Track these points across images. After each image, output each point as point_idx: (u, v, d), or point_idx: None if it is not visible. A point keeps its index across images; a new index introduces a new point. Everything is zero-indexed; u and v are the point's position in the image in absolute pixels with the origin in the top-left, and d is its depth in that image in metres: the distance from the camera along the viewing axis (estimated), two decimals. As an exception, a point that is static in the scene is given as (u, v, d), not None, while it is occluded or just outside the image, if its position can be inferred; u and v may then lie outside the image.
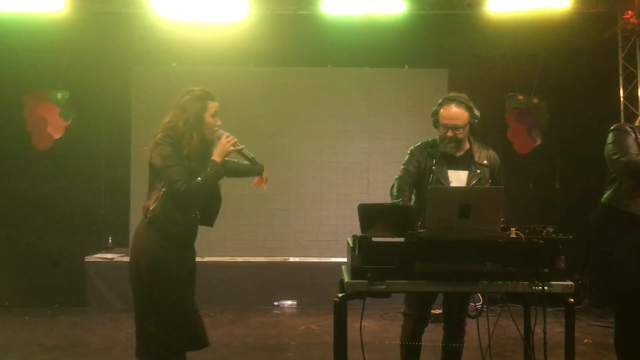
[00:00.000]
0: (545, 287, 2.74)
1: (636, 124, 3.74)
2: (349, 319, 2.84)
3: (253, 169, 3.36)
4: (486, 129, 6.86)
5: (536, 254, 2.75)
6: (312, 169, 6.91)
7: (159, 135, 3.03)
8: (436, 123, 3.56)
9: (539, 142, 7.04)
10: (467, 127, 3.51)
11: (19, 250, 6.84)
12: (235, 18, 6.23)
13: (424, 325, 3.61)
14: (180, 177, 2.96)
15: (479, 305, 3.11)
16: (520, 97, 6.95)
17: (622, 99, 6.67)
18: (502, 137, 7.00)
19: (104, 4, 6.51)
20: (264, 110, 6.87)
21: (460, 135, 3.50)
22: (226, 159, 3.13)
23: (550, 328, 2.89)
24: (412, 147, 3.68)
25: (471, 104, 3.54)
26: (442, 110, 3.51)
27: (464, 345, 3.67)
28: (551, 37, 6.60)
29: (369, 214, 2.89)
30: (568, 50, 6.72)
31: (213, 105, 3.13)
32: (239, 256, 6.78)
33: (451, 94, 3.58)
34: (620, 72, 6.69)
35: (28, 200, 6.89)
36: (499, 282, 2.76)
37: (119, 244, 6.93)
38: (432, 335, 3.83)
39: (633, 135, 3.52)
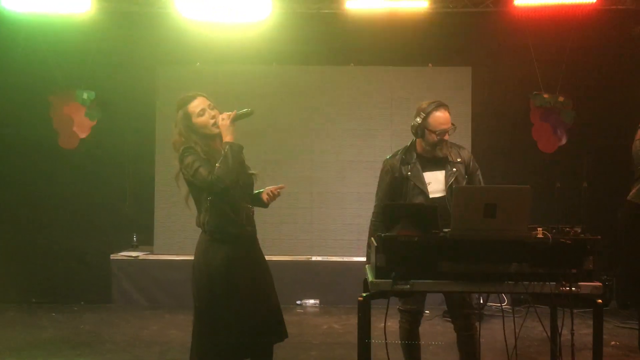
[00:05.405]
0: (573, 288, 2.70)
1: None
2: (371, 318, 2.83)
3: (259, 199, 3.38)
4: (510, 127, 6.92)
5: (564, 254, 2.71)
6: (334, 167, 6.90)
7: (179, 151, 3.11)
8: (424, 129, 3.54)
9: (564, 141, 6.92)
10: None
11: (45, 248, 6.95)
12: (259, 18, 6.23)
13: (420, 317, 3.69)
14: (208, 172, 3.03)
15: (503, 304, 3.06)
16: (545, 95, 6.83)
17: (650, 97, 6.55)
18: (527, 136, 6.92)
19: (128, 4, 6.58)
20: (286, 108, 6.88)
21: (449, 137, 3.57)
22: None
23: (577, 329, 2.85)
24: (384, 160, 3.71)
25: None
26: (437, 114, 3.52)
27: (482, 341, 3.60)
28: (577, 34, 6.51)
29: (393, 213, 2.88)
30: (594, 48, 6.62)
31: (194, 106, 3.14)
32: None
33: (435, 100, 3.59)
34: (648, 69, 6.58)
35: (54, 199, 7.00)
36: (525, 283, 2.73)
37: (144, 242, 7.02)
38: (450, 335, 3.81)
39: None
